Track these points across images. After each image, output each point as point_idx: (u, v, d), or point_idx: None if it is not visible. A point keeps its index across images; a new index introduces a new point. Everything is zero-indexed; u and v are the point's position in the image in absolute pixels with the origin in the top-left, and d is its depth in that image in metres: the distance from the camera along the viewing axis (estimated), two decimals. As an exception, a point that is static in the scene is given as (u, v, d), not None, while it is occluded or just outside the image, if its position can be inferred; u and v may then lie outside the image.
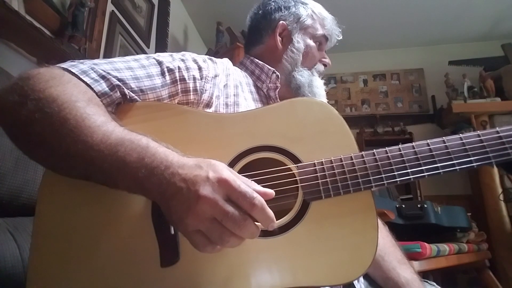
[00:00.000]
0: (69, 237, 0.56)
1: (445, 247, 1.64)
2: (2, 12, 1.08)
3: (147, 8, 2.28)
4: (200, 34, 3.16)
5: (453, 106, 2.74)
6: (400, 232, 1.57)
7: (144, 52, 2.18)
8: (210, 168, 0.49)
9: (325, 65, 0.95)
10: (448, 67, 3.08)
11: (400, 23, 3.01)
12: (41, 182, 0.59)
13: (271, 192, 0.51)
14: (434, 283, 0.79)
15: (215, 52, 2.59)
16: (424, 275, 1.76)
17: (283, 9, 0.94)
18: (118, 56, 1.95)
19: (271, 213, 0.49)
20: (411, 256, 1.48)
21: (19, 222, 0.73)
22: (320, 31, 0.93)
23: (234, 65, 0.91)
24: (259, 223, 0.49)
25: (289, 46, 0.90)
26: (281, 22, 0.92)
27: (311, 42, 0.92)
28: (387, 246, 0.88)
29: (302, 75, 0.88)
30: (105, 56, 1.76)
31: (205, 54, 2.59)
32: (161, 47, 2.34)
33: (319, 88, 0.89)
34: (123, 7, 1.98)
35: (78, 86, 0.59)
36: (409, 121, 3.19)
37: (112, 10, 1.88)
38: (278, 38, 0.92)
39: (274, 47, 0.91)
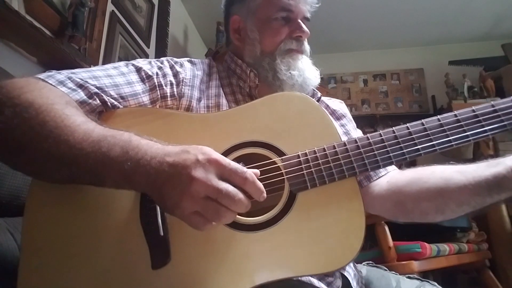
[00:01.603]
0: (58, 246, 0.56)
1: (445, 247, 1.64)
2: (2, 12, 1.08)
3: (147, 8, 2.28)
4: (200, 34, 3.16)
5: (453, 106, 2.74)
6: (400, 232, 1.58)
7: (144, 52, 2.18)
8: (197, 151, 0.50)
9: (299, 37, 0.81)
10: (448, 67, 3.08)
11: (400, 23, 3.01)
12: (28, 193, 0.59)
13: (256, 171, 0.54)
14: (436, 283, 0.79)
15: (215, 52, 2.59)
16: (424, 275, 1.76)
17: (235, 1, 0.88)
18: (118, 56, 1.95)
19: (261, 185, 0.52)
20: (411, 256, 1.48)
21: (19, 222, 0.73)
22: (276, 5, 0.81)
23: (219, 63, 0.89)
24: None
25: (246, 39, 0.84)
26: (233, 17, 0.87)
27: (267, 23, 0.81)
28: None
29: (263, 66, 0.81)
30: (105, 56, 1.77)
31: (205, 54, 2.58)
32: (161, 47, 2.34)
33: (286, 71, 0.79)
34: (123, 7, 1.98)
35: (54, 91, 0.60)
36: (409, 121, 3.12)
37: (112, 10, 1.88)
38: (235, 36, 0.87)
39: (236, 45, 0.87)
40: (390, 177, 0.80)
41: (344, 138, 0.84)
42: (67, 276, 0.54)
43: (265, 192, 0.53)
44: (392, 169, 0.83)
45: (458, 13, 2.88)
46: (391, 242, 1.47)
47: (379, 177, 0.81)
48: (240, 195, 0.49)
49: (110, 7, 1.85)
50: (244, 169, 0.51)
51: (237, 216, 0.59)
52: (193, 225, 0.49)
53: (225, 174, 0.50)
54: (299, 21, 0.82)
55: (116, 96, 0.67)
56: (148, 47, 2.25)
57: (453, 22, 3.00)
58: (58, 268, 0.55)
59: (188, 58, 0.84)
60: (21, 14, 1.18)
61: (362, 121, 3.28)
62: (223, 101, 0.77)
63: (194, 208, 0.48)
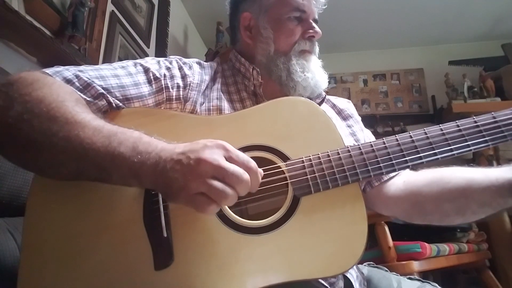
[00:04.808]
0: (59, 246, 0.56)
1: (445, 247, 1.64)
2: (2, 12, 1.08)
3: (147, 8, 2.28)
4: (200, 34, 3.16)
5: (453, 106, 2.74)
6: (400, 232, 1.58)
7: (144, 52, 2.18)
8: (206, 140, 0.52)
9: (312, 37, 0.82)
10: (448, 67, 3.08)
11: (400, 23, 3.01)
12: (29, 193, 0.59)
13: (260, 171, 0.55)
14: (436, 284, 0.78)
15: (215, 52, 2.59)
16: (424, 275, 1.76)
17: None
18: (118, 56, 1.94)
19: (260, 178, 0.54)
20: (411, 256, 1.48)
21: (19, 222, 0.73)
22: (290, 4, 0.81)
23: (224, 62, 0.89)
24: None
25: (259, 37, 0.83)
26: (244, 13, 0.85)
27: (281, 23, 0.81)
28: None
29: (277, 65, 0.80)
30: (105, 56, 1.76)
31: (205, 54, 2.57)
32: (161, 47, 2.34)
33: (301, 73, 0.79)
34: (123, 7, 1.98)
35: (64, 87, 0.60)
36: (409, 121, 3.19)
37: (112, 10, 1.87)
38: (246, 33, 0.85)
39: (246, 43, 0.85)
40: (406, 177, 0.79)
41: (350, 139, 0.84)
42: (68, 276, 0.54)
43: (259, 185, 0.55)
44: None
45: (458, 13, 2.88)
46: (391, 242, 1.47)
47: (391, 177, 0.80)
48: (247, 175, 0.50)
49: (110, 7, 1.85)
50: (250, 159, 0.52)
51: (241, 219, 0.59)
52: (198, 206, 0.49)
53: (231, 159, 0.51)
54: (311, 21, 0.82)
55: (121, 97, 0.67)
56: (148, 47, 2.24)
57: (453, 22, 3.00)
58: (59, 268, 0.55)
59: (197, 60, 0.83)
60: (21, 14, 1.18)
61: (362, 121, 3.26)
62: (225, 104, 0.76)
63: (200, 188, 0.48)
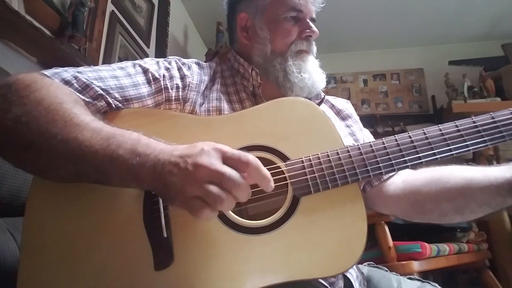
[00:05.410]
0: (59, 246, 0.56)
1: (445, 247, 1.64)
2: (2, 12, 1.08)
3: (147, 8, 2.28)
4: (200, 34, 3.16)
5: (453, 106, 2.74)
6: (400, 232, 1.58)
7: (144, 52, 2.18)
8: (203, 144, 0.51)
9: (309, 36, 0.81)
10: (448, 67, 3.08)
11: (400, 23, 3.01)
12: (29, 193, 0.59)
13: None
14: (436, 284, 0.78)
15: (215, 52, 2.59)
16: (424, 275, 1.76)
17: None
18: (118, 56, 1.94)
19: (267, 172, 0.52)
20: (411, 256, 1.48)
21: (19, 222, 0.73)
22: (287, 4, 0.80)
23: (223, 62, 0.88)
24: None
25: (256, 38, 0.82)
26: (241, 14, 0.84)
27: (277, 23, 0.80)
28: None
29: (274, 66, 0.79)
30: (105, 56, 1.76)
31: (205, 54, 2.57)
32: (161, 47, 2.34)
33: (297, 73, 0.78)
34: (123, 7, 1.98)
35: (62, 88, 0.60)
36: (409, 121, 3.19)
37: (112, 10, 1.87)
38: (243, 34, 0.85)
39: (244, 44, 0.85)
40: (405, 176, 0.79)
41: (350, 139, 0.84)
42: (67, 277, 0.54)
43: (272, 180, 0.52)
44: None
45: (458, 13, 2.88)
46: (391, 242, 1.47)
47: (391, 176, 0.80)
48: (242, 180, 0.50)
49: (110, 7, 1.85)
50: (247, 154, 0.51)
51: (241, 219, 0.59)
52: (192, 209, 0.49)
53: (227, 160, 0.50)
54: (308, 21, 0.82)
55: (120, 98, 0.67)
56: (148, 47, 2.25)
57: (453, 22, 3.00)
58: (58, 268, 0.55)
59: (196, 60, 0.83)
60: (21, 14, 1.18)
61: (362, 121, 3.20)
62: (224, 105, 0.76)
63: (196, 192, 0.48)
